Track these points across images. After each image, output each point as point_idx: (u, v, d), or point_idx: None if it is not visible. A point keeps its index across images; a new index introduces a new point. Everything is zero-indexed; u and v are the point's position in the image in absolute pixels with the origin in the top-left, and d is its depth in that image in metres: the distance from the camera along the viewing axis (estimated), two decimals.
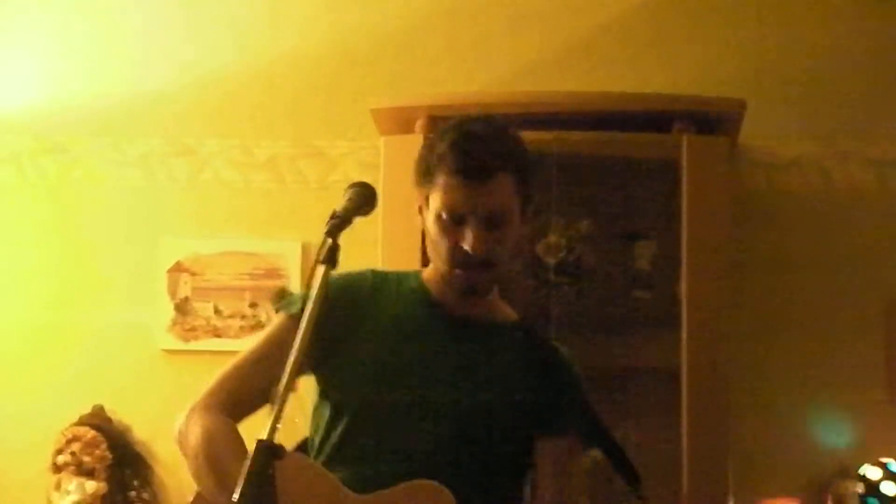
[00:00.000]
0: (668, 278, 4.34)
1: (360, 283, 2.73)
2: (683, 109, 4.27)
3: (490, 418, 2.69)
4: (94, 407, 4.60)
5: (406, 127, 4.29)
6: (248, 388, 2.69)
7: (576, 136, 4.25)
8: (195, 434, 2.64)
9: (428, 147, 2.73)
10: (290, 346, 2.56)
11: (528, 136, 4.25)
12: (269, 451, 2.07)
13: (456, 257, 2.65)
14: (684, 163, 4.22)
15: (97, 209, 4.83)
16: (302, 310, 2.54)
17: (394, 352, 2.69)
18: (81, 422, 4.56)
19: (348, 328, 2.65)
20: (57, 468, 4.50)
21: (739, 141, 4.49)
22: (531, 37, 4.78)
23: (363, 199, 2.51)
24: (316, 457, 2.70)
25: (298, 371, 2.27)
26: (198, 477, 2.64)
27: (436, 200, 2.67)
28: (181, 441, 2.68)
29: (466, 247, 2.63)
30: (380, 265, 3.84)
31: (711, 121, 4.28)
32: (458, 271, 2.67)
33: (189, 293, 4.73)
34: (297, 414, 2.48)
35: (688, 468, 4.08)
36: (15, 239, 4.80)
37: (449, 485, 2.54)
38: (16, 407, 4.68)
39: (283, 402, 2.15)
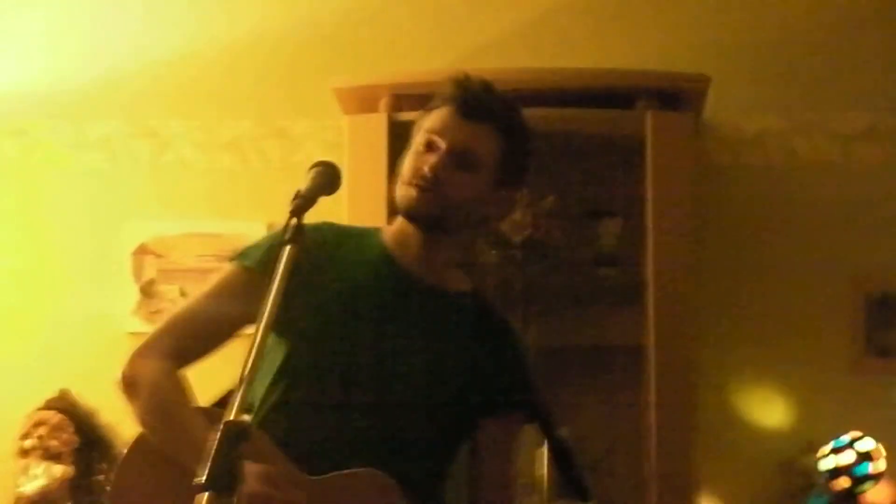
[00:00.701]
0: (633, 255, 4.35)
1: (316, 238, 2.61)
2: (647, 85, 4.28)
3: (436, 386, 2.67)
4: (60, 391, 4.57)
5: (369, 106, 4.28)
6: (195, 335, 2.68)
7: (539, 112, 4.20)
8: (144, 380, 2.62)
9: (442, 86, 2.75)
10: (236, 295, 2.64)
11: None
12: (236, 432, 2.06)
13: (414, 176, 2.64)
14: (649, 139, 4.22)
15: (59, 192, 4.80)
16: (259, 264, 2.61)
17: (346, 312, 2.66)
18: (47, 406, 4.53)
19: (304, 284, 2.56)
20: (24, 453, 4.48)
21: (704, 116, 4.49)
22: (493, 13, 4.78)
23: (327, 178, 2.49)
24: (258, 409, 2.66)
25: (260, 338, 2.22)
26: (147, 424, 2.61)
27: (421, 125, 2.69)
28: (127, 385, 2.64)
29: (426, 168, 2.63)
30: None
31: (675, 97, 4.29)
32: (409, 189, 2.65)
33: (154, 275, 4.71)
34: None
35: (654, 445, 4.09)
36: None
37: (384, 453, 2.54)
38: None
39: (250, 380, 2.13)
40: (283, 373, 2.65)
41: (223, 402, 2.60)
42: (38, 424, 4.48)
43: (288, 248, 2.30)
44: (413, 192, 2.65)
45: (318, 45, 4.77)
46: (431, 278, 2.73)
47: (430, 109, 2.71)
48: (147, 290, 4.71)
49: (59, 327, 4.70)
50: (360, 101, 4.33)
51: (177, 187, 4.78)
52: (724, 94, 4.48)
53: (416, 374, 2.66)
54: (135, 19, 4.85)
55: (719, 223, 4.62)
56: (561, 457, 2.74)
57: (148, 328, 4.52)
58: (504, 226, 4.35)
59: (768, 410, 4.55)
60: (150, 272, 4.72)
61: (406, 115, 4.24)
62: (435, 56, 4.69)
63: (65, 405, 4.55)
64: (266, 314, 2.22)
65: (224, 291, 2.71)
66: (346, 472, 2.52)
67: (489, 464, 2.76)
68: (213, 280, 2.76)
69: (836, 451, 4.22)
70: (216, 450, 2.03)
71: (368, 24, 4.78)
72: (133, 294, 4.71)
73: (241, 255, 2.72)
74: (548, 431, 2.73)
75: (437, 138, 2.66)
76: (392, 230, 2.76)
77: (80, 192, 4.80)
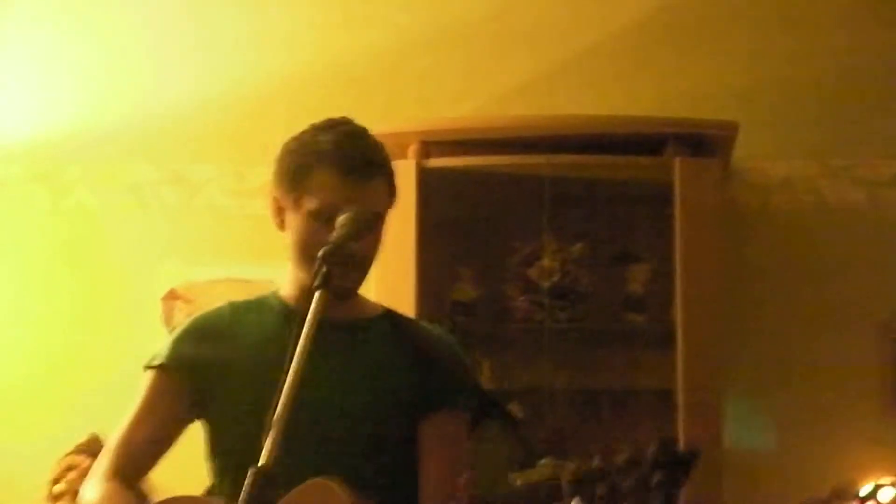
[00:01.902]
0: (661, 300, 4.35)
1: (217, 320, 2.72)
2: (675, 132, 4.28)
3: (375, 415, 2.66)
4: (90, 435, 4.58)
5: (398, 153, 4.28)
6: (137, 453, 2.73)
7: (567, 159, 4.26)
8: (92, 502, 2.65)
9: (299, 147, 2.73)
10: (159, 398, 2.70)
11: (520, 159, 4.31)
12: (266, 477, 2.07)
13: (332, 255, 2.51)
14: (677, 185, 4.22)
15: (90, 238, 4.82)
16: (170, 360, 2.68)
17: (265, 378, 2.49)
18: (78, 450, 4.54)
19: (217, 369, 2.63)
20: (54, 497, 4.49)
21: (731, 162, 4.49)
22: (521, 59, 4.79)
23: (357, 224, 2.50)
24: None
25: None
26: None
27: (312, 199, 2.63)
28: None
29: (345, 247, 2.53)
30: (374, 290, 3.84)
31: (703, 143, 4.29)
32: (326, 269, 2.51)
33: (183, 320, 4.72)
34: None
35: (683, 489, 4.07)
36: (6, 268, 4.79)
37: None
38: (13, 436, 4.67)
39: (279, 428, 2.14)
40: (217, 451, 2.70)
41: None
42: (68, 469, 4.49)
43: (318, 294, 2.32)
44: (335, 272, 2.50)
45: (347, 91, 4.78)
46: (338, 315, 2.63)
47: (305, 176, 2.66)
48: None
49: (90, 372, 4.71)
50: (389, 147, 4.31)
51: (206, 233, 4.80)
52: (752, 139, 4.48)
53: (354, 403, 2.65)
54: (165, 66, 4.87)
55: (747, 268, 4.61)
56: (509, 429, 2.78)
57: None
58: (533, 272, 4.36)
59: (795, 455, 4.53)
60: (179, 317, 4.72)
61: (435, 162, 4.27)
62: (463, 102, 4.71)
63: (95, 449, 4.55)
64: (296, 359, 2.23)
65: (151, 401, 2.75)
66: (294, 489, 2.42)
67: (428, 463, 2.69)
68: (139, 395, 2.78)
69: (861, 500, 4.19)
70: (247, 495, 2.04)
71: (397, 69, 4.80)
72: (163, 339, 4.71)
73: (153, 359, 2.77)
74: (487, 414, 2.75)
75: (334, 208, 2.59)
76: (291, 288, 2.77)
77: (109, 237, 4.82)
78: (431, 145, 4.27)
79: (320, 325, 2.56)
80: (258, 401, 2.50)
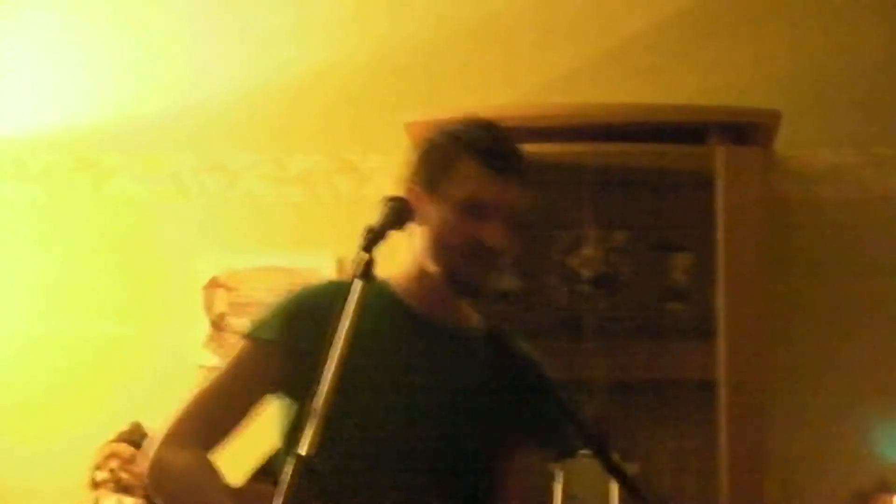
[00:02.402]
0: (703, 290, 4.33)
1: (322, 300, 2.61)
2: (718, 120, 4.26)
3: (464, 434, 2.65)
4: (132, 424, 4.60)
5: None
6: (219, 418, 2.67)
7: (609, 147, 4.25)
8: (172, 468, 2.60)
9: (447, 139, 2.70)
10: (255, 371, 2.64)
11: (561, 147, 4.30)
12: (308, 466, 2.07)
13: (472, 251, 2.60)
14: (719, 174, 4.20)
15: (130, 226, 4.84)
16: (273, 338, 2.62)
17: (364, 366, 2.56)
18: (119, 439, 4.56)
19: (318, 350, 2.49)
20: (95, 485, 4.51)
21: (774, 150, 4.47)
22: (563, 48, 4.77)
23: (398, 213, 2.48)
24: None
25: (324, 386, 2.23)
26: None
27: (458, 190, 2.63)
28: (154, 475, 2.63)
29: (489, 240, 2.60)
30: None
31: (746, 131, 4.27)
32: (467, 264, 2.61)
33: (225, 309, 4.74)
34: None
35: (725, 481, 4.06)
36: (50, 256, 4.82)
37: (421, 498, 2.53)
38: (54, 424, 4.70)
39: (323, 416, 2.14)
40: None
41: (262, 473, 2.61)
42: (110, 457, 4.51)
43: (358, 283, 2.31)
44: (473, 270, 2.60)
45: (388, 80, 4.78)
46: (446, 319, 2.70)
47: (451, 168, 2.65)
48: (218, 324, 4.73)
49: (131, 360, 4.73)
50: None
51: (248, 221, 4.81)
52: (795, 127, 4.45)
53: (443, 417, 2.64)
54: (205, 54, 4.88)
55: (790, 258, 4.58)
56: (621, 478, 2.71)
57: (218, 361, 4.61)
58: (574, 261, 4.35)
59: (842, 446, 4.50)
60: (220, 306, 4.74)
61: None
62: (504, 90, 4.70)
63: (136, 438, 4.57)
64: (339, 349, 2.23)
65: (244, 368, 2.70)
66: None
67: (510, 495, 2.69)
68: (231, 357, 2.74)
69: None
70: (290, 483, 2.04)
71: (439, 58, 4.79)
72: (204, 327, 4.73)
73: (257, 328, 2.72)
74: (601, 456, 2.66)
75: (488, 203, 2.61)
76: (403, 280, 2.73)
77: (151, 224, 4.84)
78: None
79: (430, 329, 2.67)
80: (354, 393, 2.50)
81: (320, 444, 2.37)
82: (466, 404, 2.67)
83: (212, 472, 2.60)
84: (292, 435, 2.63)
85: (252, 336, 2.72)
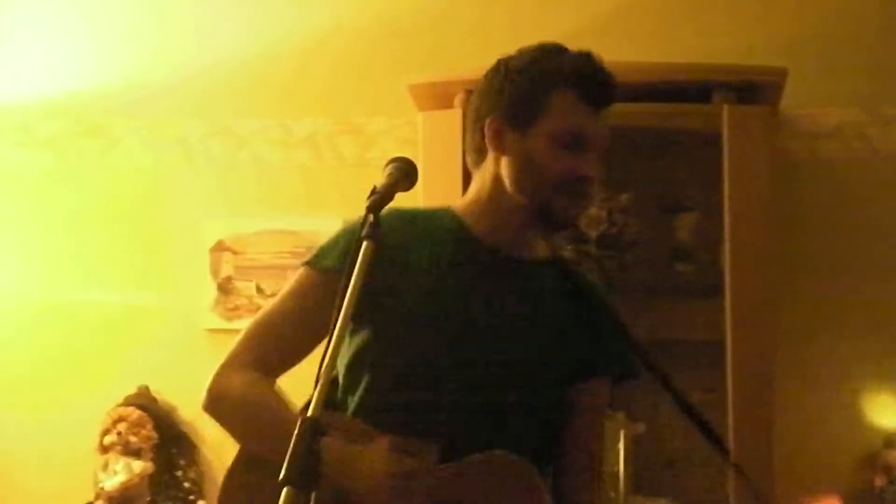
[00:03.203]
0: (710, 250, 4.33)
1: (387, 230, 2.39)
2: (723, 79, 4.25)
3: (535, 355, 2.62)
4: (140, 387, 4.63)
5: (444, 102, 4.28)
6: (279, 344, 2.63)
7: (615, 108, 4.22)
8: (232, 393, 2.58)
9: (534, 67, 2.65)
10: (316, 300, 2.56)
11: None
12: (314, 427, 2.07)
13: (568, 183, 2.56)
14: (725, 133, 4.19)
15: (137, 191, 4.84)
16: (335, 266, 2.54)
17: (435, 293, 2.59)
18: (127, 402, 4.58)
19: (383, 279, 2.47)
20: (104, 449, 4.53)
21: (780, 109, 4.45)
22: (567, 8, 4.76)
23: (403, 174, 2.46)
24: (355, 414, 2.60)
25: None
26: (243, 435, 2.60)
27: (555, 120, 2.57)
28: (215, 401, 2.60)
29: (588, 172, 2.57)
30: None
31: (752, 90, 4.25)
32: (563, 197, 2.57)
33: (231, 272, 4.74)
34: None
35: (733, 440, 4.06)
36: (57, 223, 4.82)
37: (496, 429, 2.51)
38: (62, 389, 4.71)
39: (328, 377, 2.14)
40: (371, 363, 2.59)
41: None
42: (117, 421, 4.53)
43: (365, 244, 2.30)
44: (566, 200, 2.57)
45: (392, 42, 4.77)
46: (514, 250, 2.66)
47: (545, 96, 2.60)
48: (224, 287, 4.74)
49: (138, 324, 4.74)
50: (435, 97, 4.33)
51: (253, 185, 4.81)
52: (801, 86, 4.43)
53: (514, 345, 2.61)
54: (210, 19, 4.87)
55: (796, 217, 4.57)
56: (687, 409, 2.73)
57: (225, 324, 4.64)
58: (580, 221, 4.35)
59: (848, 404, 4.51)
60: (227, 269, 4.74)
61: None
62: (509, 51, 4.67)
63: (144, 402, 4.60)
64: (343, 311, 2.22)
65: (304, 296, 2.65)
66: (477, 457, 2.47)
67: (584, 437, 2.68)
68: (290, 285, 2.69)
69: None
70: (294, 445, 2.04)
71: (442, 20, 4.78)
72: (211, 291, 4.74)
73: (318, 256, 2.67)
74: (664, 384, 2.72)
75: (585, 134, 2.59)
76: (469, 206, 2.69)
77: (157, 190, 4.84)
78: None
79: (500, 260, 2.63)
80: (425, 323, 2.55)
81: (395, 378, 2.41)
82: (539, 333, 2.63)
83: (270, 391, 2.58)
84: (353, 367, 2.63)
85: (311, 264, 2.67)
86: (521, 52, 2.71)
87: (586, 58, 2.65)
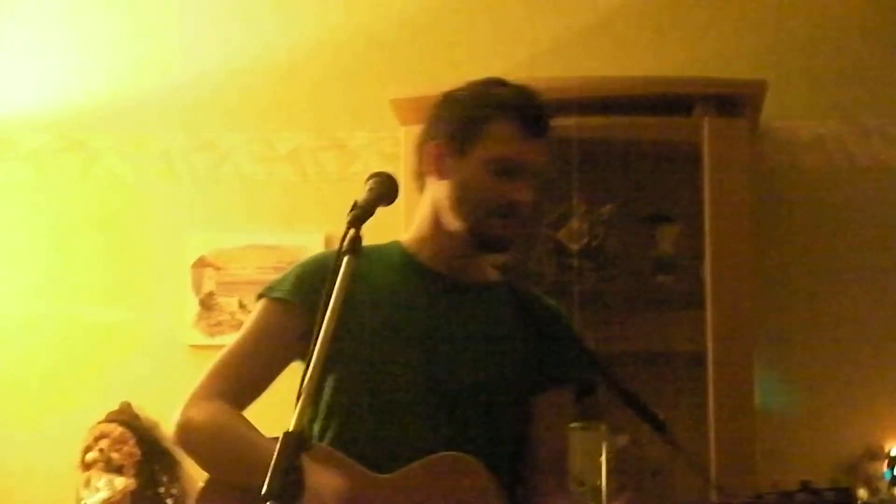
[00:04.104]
0: (691, 261, 4.34)
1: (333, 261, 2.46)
2: (704, 92, 4.27)
3: (492, 375, 2.69)
4: (122, 404, 4.61)
5: (426, 117, 4.28)
6: (244, 377, 2.70)
7: (596, 120, 4.25)
8: (205, 421, 2.63)
9: (473, 97, 2.74)
10: (278, 331, 2.68)
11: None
12: (297, 442, 2.07)
13: (501, 208, 2.65)
14: (706, 145, 4.21)
15: (119, 206, 4.83)
16: (290, 294, 2.66)
17: (388, 325, 2.67)
18: (109, 419, 4.57)
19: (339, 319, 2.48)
20: (86, 465, 4.52)
21: (760, 121, 4.47)
22: (550, 22, 4.77)
23: (384, 189, 2.48)
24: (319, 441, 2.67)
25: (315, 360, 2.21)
26: (211, 462, 2.64)
27: (490, 150, 2.66)
28: (184, 433, 2.65)
29: (520, 198, 2.65)
30: None
31: (733, 102, 4.27)
32: (495, 221, 2.66)
33: (213, 288, 4.74)
34: None
35: (715, 450, 4.07)
36: (38, 237, 4.81)
37: (459, 449, 2.57)
38: (44, 405, 4.70)
39: (310, 393, 2.15)
40: (337, 403, 2.67)
41: None
42: (99, 437, 4.52)
43: (346, 258, 2.31)
44: (501, 225, 2.67)
45: (374, 57, 4.78)
46: (462, 274, 2.76)
47: (481, 125, 2.68)
48: (206, 303, 4.73)
49: (120, 340, 4.73)
50: (417, 111, 4.30)
51: (235, 200, 4.81)
52: (781, 97, 4.46)
53: (473, 366, 2.68)
54: (193, 32, 4.87)
55: (777, 227, 4.59)
56: (631, 400, 2.78)
57: (208, 340, 4.63)
58: (561, 234, 4.35)
59: (829, 415, 4.52)
60: (209, 285, 4.74)
61: None
62: (491, 66, 4.64)
63: (126, 418, 4.59)
64: (325, 326, 2.23)
65: (264, 329, 2.73)
66: (423, 460, 2.55)
67: (544, 438, 2.76)
68: (249, 321, 2.77)
69: (893, 459, 4.18)
70: (276, 460, 2.05)
71: (425, 34, 4.79)
72: (193, 306, 4.73)
73: (271, 289, 2.75)
74: (612, 385, 2.78)
75: (517, 162, 2.67)
76: (417, 239, 2.78)
77: (139, 205, 4.83)
78: None
79: (449, 284, 2.73)
80: (379, 350, 2.64)
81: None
82: (492, 354, 2.71)
83: (239, 418, 2.65)
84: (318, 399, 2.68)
85: (266, 296, 2.76)
86: (465, 85, 2.81)
87: (523, 90, 2.73)
